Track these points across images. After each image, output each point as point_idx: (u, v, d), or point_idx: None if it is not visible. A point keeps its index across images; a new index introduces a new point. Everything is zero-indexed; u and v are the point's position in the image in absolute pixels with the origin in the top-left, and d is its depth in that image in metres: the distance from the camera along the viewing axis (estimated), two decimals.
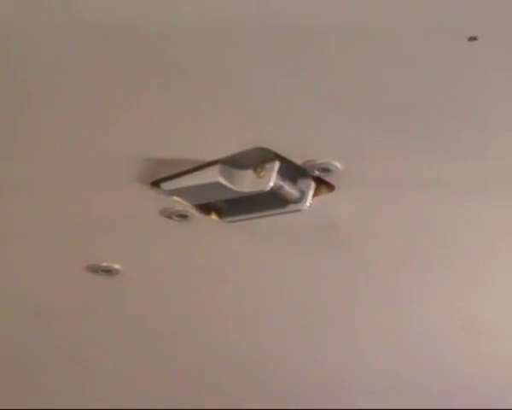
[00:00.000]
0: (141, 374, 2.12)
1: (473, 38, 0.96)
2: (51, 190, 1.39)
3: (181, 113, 1.16)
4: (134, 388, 2.19)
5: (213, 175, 1.32)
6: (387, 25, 0.94)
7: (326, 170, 1.29)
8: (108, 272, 1.65)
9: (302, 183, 1.34)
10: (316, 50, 1.01)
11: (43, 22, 0.94)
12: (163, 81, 1.08)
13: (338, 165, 1.26)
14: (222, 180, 1.32)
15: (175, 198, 1.40)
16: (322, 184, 1.35)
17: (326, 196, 1.35)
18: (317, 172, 1.30)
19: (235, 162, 1.30)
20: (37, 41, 0.98)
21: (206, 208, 1.45)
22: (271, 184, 1.29)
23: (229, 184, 1.33)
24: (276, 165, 1.27)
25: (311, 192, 1.34)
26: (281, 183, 1.30)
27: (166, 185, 1.37)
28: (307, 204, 1.35)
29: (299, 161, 1.26)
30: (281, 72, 1.06)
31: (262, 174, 1.30)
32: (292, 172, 1.31)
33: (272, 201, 1.37)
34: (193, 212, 1.44)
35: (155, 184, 1.37)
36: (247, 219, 1.45)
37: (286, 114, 1.16)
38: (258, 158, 1.27)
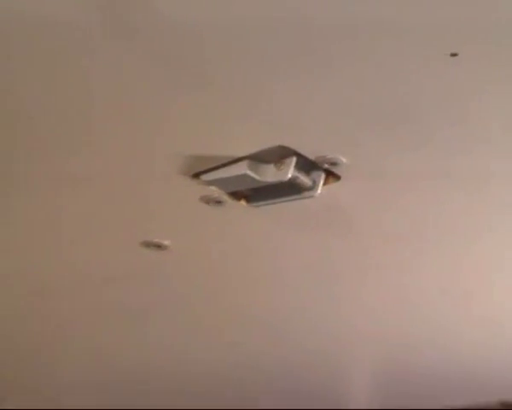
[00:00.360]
0: (190, 328, 2.36)
1: (454, 54, 1.13)
2: (113, 183, 1.61)
3: (217, 118, 1.36)
4: (187, 341, 2.44)
5: (243, 168, 1.50)
6: (381, 43, 1.12)
7: (334, 163, 1.49)
8: (159, 247, 1.85)
9: (314, 174, 1.52)
10: (325, 66, 1.19)
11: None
12: (203, 94, 1.27)
13: (343, 159, 1.47)
14: (249, 172, 1.50)
15: (212, 187, 1.58)
16: (331, 175, 1.53)
17: (333, 185, 1.54)
18: (326, 165, 1.50)
19: (260, 158, 1.49)
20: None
21: (236, 195, 1.62)
22: (289, 175, 1.48)
23: (255, 176, 1.51)
24: (293, 160, 1.47)
25: (321, 182, 1.53)
26: (297, 174, 1.49)
27: (205, 177, 1.55)
28: (318, 191, 1.53)
29: (311, 157, 1.47)
30: (298, 85, 1.25)
31: (282, 167, 1.49)
32: (306, 165, 1.50)
33: (290, 189, 1.55)
34: (226, 198, 1.62)
35: (196, 175, 1.55)
36: (269, 204, 1.63)
37: (301, 119, 1.36)
38: (279, 154, 1.47)
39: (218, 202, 1.65)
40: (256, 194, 1.62)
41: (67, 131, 1.41)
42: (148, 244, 1.84)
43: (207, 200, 1.64)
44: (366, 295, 2.08)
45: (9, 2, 1.03)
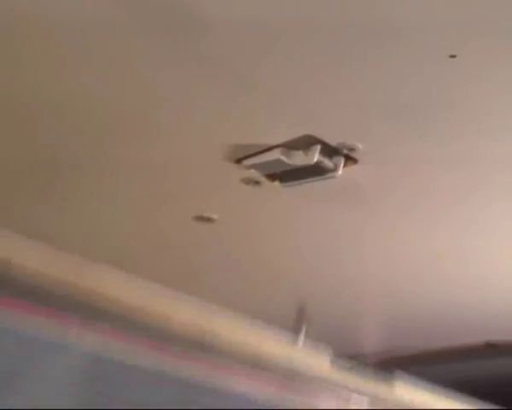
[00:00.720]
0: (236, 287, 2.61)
1: (453, 56, 1.33)
2: (174, 168, 1.86)
3: (256, 113, 1.59)
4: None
5: (277, 154, 1.71)
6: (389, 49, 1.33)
7: (351, 149, 1.71)
8: (209, 220, 2.10)
9: (335, 158, 1.73)
10: (347, 68, 1.40)
11: None
12: (245, 94, 1.51)
13: (360, 145, 1.69)
14: (282, 158, 1.71)
15: (251, 171, 1.80)
16: (349, 159, 1.74)
17: (351, 167, 1.76)
18: (345, 151, 1.72)
19: (290, 145, 1.70)
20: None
21: (271, 177, 1.83)
22: (315, 159, 1.69)
23: (287, 160, 1.72)
24: (318, 147, 1.69)
25: (341, 164, 1.73)
26: (321, 158, 1.70)
27: (246, 162, 1.77)
28: (339, 173, 1.74)
29: (333, 144, 1.69)
30: (324, 85, 1.47)
31: (309, 153, 1.70)
32: (328, 151, 1.71)
33: (315, 171, 1.75)
34: (263, 180, 1.84)
35: (238, 161, 1.78)
36: (298, 184, 1.83)
37: (326, 113, 1.59)
38: (306, 142, 1.69)
39: (257, 183, 1.87)
40: (287, 176, 1.81)
41: (143, 128, 1.70)
42: (199, 218, 2.09)
43: (247, 181, 1.87)
44: (376, 257, 2.31)
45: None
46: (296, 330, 2.31)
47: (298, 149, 1.71)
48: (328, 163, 1.73)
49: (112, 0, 1.29)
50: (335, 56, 1.39)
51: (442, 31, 1.29)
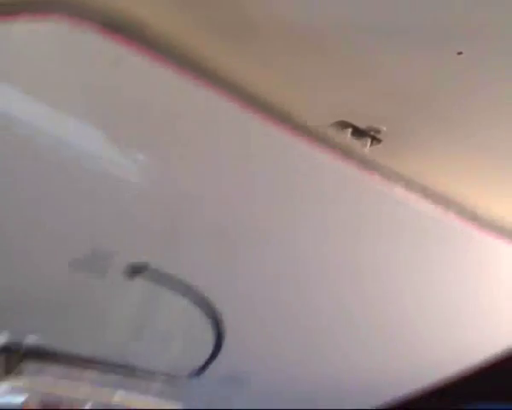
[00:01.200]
0: None
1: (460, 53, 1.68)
2: None
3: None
4: None
5: None
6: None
7: (377, 131, 2.08)
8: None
9: (364, 139, 2.10)
10: (376, 63, 1.76)
11: None
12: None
13: (384, 128, 2.07)
14: None
15: None
16: (375, 139, 2.11)
17: (377, 146, 2.12)
18: (372, 132, 2.09)
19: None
20: None
21: None
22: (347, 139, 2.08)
23: None
24: (350, 129, 2.07)
25: (368, 143, 2.11)
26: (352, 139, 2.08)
27: None
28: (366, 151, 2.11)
29: (362, 126, 2.06)
30: (357, 77, 1.82)
31: (342, 134, 2.07)
32: (358, 132, 2.08)
33: None
34: None
35: None
36: None
37: (356, 102, 1.96)
38: (340, 126, 2.07)
39: None
40: None
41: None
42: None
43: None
44: None
45: None
46: None
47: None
48: (356, 143, 2.10)
49: None
50: (372, 55, 1.76)
51: (450, 32, 1.64)
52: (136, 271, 1.97)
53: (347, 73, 1.85)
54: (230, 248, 2.06)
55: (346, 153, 2.01)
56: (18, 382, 2.04)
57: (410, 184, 2.15)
